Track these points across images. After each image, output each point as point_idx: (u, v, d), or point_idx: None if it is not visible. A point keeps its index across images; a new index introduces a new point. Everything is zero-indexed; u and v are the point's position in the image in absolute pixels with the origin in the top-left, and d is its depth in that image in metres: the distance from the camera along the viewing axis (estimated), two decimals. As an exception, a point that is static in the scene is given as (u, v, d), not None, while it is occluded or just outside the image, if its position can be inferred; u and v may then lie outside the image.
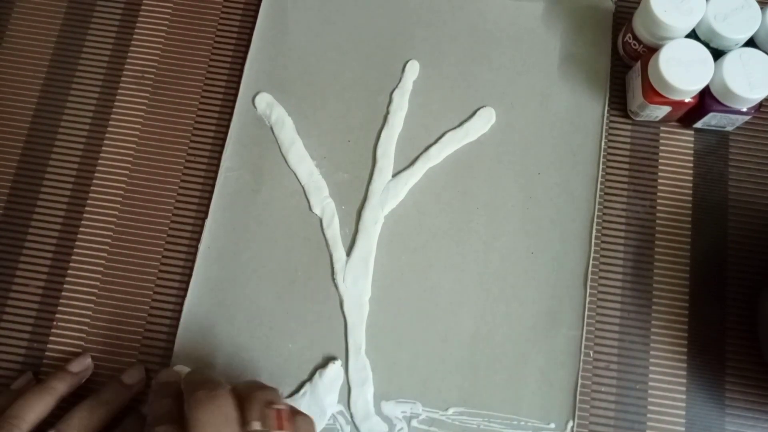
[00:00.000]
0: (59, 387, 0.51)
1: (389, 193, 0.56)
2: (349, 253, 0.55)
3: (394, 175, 0.57)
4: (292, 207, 0.56)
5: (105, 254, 0.56)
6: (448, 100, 0.58)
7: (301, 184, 0.57)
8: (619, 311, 0.55)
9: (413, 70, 0.59)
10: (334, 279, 0.55)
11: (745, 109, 0.53)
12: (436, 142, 0.57)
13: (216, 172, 0.57)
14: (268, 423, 0.42)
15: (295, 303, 0.55)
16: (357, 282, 0.55)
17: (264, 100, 0.58)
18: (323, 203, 0.56)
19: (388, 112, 0.58)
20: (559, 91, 0.58)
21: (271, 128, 0.58)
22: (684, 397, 0.53)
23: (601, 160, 0.57)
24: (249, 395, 0.43)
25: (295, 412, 0.44)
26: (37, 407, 0.49)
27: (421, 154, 0.57)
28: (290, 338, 0.54)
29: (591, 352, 0.54)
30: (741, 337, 0.54)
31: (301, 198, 0.57)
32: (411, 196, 0.56)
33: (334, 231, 0.56)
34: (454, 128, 0.58)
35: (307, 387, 0.53)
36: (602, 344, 0.54)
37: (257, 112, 0.58)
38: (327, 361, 0.53)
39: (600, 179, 0.56)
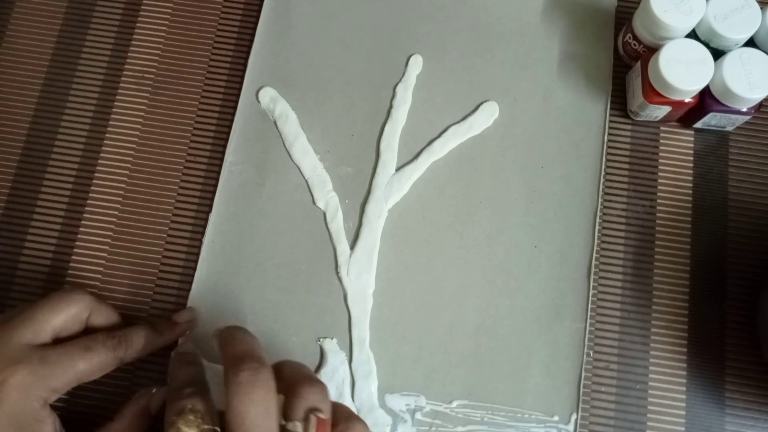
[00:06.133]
0: (167, 334, 0.52)
1: (393, 187, 0.56)
2: (352, 246, 0.55)
3: (398, 169, 0.57)
4: (296, 201, 0.56)
5: (105, 254, 0.56)
6: (452, 94, 0.59)
7: (304, 177, 0.57)
8: (619, 311, 0.55)
9: (417, 64, 0.59)
10: (338, 272, 0.55)
11: (745, 109, 0.54)
12: (439, 135, 0.58)
13: (216, 170, 0.57)
14: (309, 430, 0.39)
15: (299, 296, 0.54)
16: (361, 275, 0.54)
17: (268, 95, 0.58)
18: (327, 197, 0.56)
19: (391, 106, 0.58)
20: (562, 85, 0.59)
21: (275, 122, 0.58)
22: (684, 397, 0.53)
23: (604, 153, 0.57)
24: (295, 388, 0.41)
25: (347, 417, 0.42)
26: (145, 341, 0.50)
27: (425, 147, 0.57)
28: (294, 331, 0.54)
29: (591, 352, 0.54)
30: (741, 337, 0.54)
31: (305, 192, 0.57)
32: (415, 189, 0.57)
33: (337, 224, 0.56)
34: (458, 122, 0.58)
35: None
36: (602, 344, 0.54)
37: (261, 106, 0.58)
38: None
39: (602, 174, 0.57)
